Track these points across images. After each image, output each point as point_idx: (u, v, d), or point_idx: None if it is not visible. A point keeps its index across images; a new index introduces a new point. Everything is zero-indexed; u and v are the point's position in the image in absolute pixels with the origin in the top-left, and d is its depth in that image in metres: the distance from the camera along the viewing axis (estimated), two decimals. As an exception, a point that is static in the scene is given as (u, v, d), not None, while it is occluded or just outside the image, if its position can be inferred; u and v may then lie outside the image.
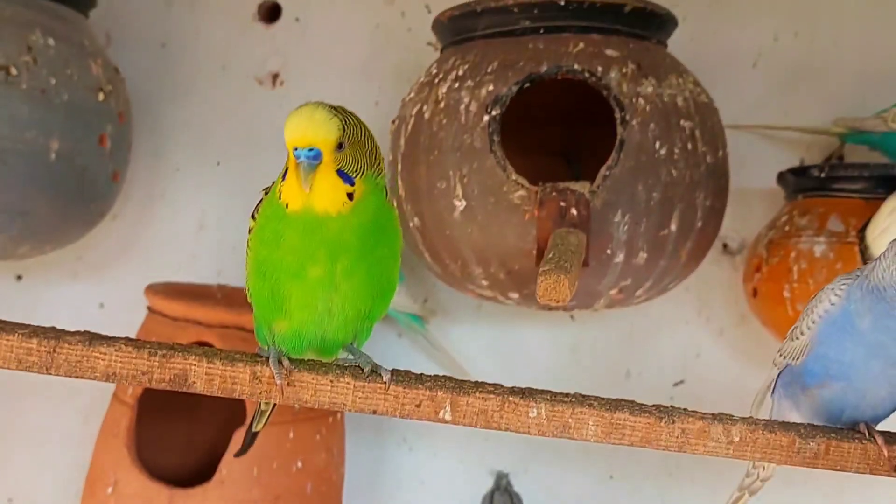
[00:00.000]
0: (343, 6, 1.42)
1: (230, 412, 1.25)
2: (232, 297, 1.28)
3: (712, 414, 0.74)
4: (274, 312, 0.79)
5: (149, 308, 1.23)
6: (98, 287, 1.46)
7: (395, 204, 1.05)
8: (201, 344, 1.08)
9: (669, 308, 1.35)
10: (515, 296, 1.09)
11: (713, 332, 1.36)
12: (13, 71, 1.11)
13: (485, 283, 1.09)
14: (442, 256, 1.11)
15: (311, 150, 0.72)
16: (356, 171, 0.74)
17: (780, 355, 0.86)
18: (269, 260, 0.77)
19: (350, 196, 0.74)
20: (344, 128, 0.72)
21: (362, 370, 0.76)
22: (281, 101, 1.43)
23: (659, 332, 1.36)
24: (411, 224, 1.12)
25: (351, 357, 0.80)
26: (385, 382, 0.75)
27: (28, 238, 1.20)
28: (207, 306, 1.16)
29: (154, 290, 1.22)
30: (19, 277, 1.47)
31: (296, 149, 0.72)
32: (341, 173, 0.73)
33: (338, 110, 0.73)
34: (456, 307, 1.39)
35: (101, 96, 1.20)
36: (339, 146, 0.73)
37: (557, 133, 1.36)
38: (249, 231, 0.82)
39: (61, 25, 1.19)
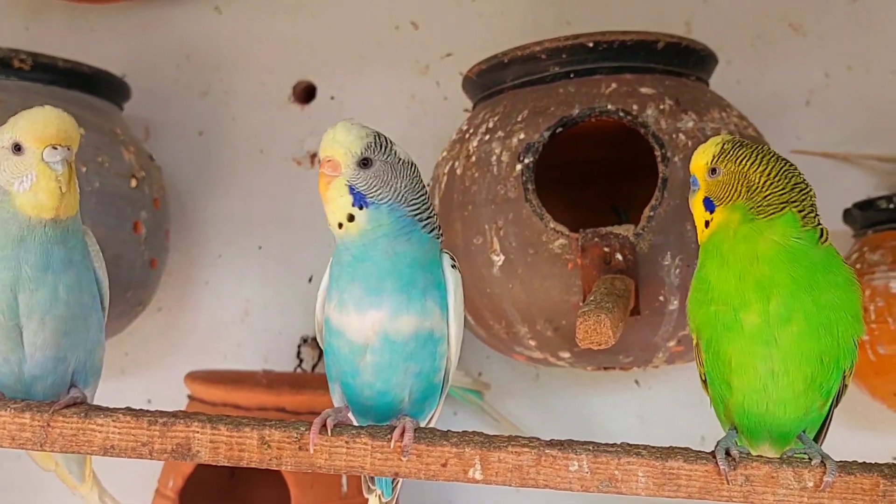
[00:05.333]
0: (377, 80, 1.41)
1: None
2: (274, 381, 1.23)
3: (779, 458, 0.65)
4: (721, 384, 0.74)
5: (189, 396, 1.19)
6: (145, 382, 1.42)
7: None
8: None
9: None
10: (567, 355, 1.02)
11: (791, 389, 1.25)
12: (43, 160, 1.10)
13: (532, 343, 1.02)
14: (485, 318, 1.04)
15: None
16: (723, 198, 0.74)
17: None
18: (707, 323, 0.74)
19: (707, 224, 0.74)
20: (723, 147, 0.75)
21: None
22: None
23: (732, 393, 1.26)
24: (451, 287, 1.06)
25: (801, 447, 0.71)
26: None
27: (66, 331, 1.17)
28: (245, 389, 1.11)
29: (193, 377, 1.18)
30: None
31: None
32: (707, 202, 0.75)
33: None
34: (511, 379, 1.31)
35: (133, 183, 1.18)
36: (713, 171, 0.74)
37: (605, 190, 1.30)
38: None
39: (92, 115, 1.19)
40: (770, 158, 0.74)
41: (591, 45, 1.01)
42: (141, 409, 0.68)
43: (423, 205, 0.75)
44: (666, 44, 1.01)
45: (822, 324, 0.69)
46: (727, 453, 0.66)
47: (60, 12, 1.50)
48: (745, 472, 0.63)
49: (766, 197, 0.72)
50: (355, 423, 0.73)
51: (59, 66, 1.18)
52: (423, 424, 0.78)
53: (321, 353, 1.37)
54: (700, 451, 0.66)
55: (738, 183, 0.73)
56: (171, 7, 1.48)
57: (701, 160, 0.76)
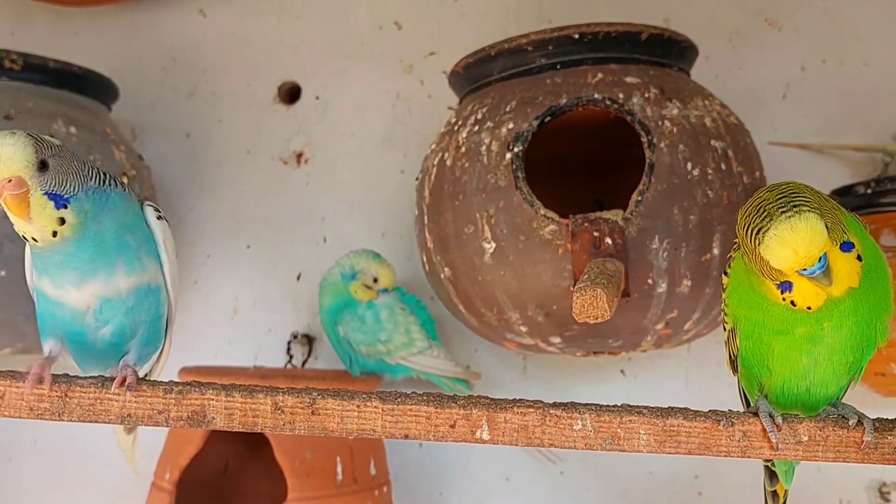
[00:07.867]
0: (361, 79, 1.43)
1: (271, 498, 1.20)
2: (267, 374, 1.24)
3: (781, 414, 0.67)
4: (759, 367, 0.75)
5: (183, 390, 1.20)
6: (135, 381, 1.43)
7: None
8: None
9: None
10: (557, 340, 1.04)
11: (773, 375, 1.28)
12: (36, 158, 1.11)
13: (523, 329, 1.04)
14: (476, 305, 1.06)
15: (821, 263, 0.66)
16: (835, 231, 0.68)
17: None
18: (750, 320, 0.74)
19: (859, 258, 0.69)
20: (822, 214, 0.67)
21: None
22: (307, 179, 1.43)
23: (717, 379, 1.29)
24: (442, 276, 1.08)
25: (834, 410, 0.74)
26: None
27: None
28: (241, 381, 1.12)
29: (187, 371, 1.19)
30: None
31: (803, 271, 0.66)
32: (846, 246, 0.68)
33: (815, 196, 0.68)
34: (500, 371, 1.33)
35: (125, 180, 1.20)
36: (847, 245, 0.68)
37: (587, 184, 1.33)
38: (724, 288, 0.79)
39: (83, 115, 1.21)
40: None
41: (576, 36, 1.04)
42: (156, 380, 0.69)
43: (91, 169, 0.76)
44: (649, 35, 1.04)
45: (869, 321, 0.72)
46: (771, 417, 0.69)
47: (45, 16, 1.51)
48: (743, 428, 0.66)
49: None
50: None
51: (49, 67, 1.20)
52: (148, 366, 0.82)
53: (311, 349, 1.39)
54: (698, 410, 0.69)
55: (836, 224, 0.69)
56: (156, 10, 1.50)
57: (821, 248, 0.67)
